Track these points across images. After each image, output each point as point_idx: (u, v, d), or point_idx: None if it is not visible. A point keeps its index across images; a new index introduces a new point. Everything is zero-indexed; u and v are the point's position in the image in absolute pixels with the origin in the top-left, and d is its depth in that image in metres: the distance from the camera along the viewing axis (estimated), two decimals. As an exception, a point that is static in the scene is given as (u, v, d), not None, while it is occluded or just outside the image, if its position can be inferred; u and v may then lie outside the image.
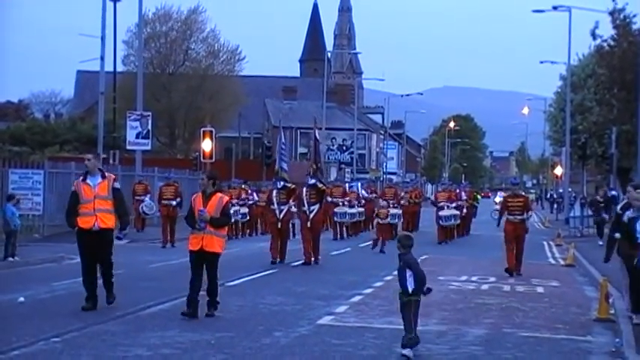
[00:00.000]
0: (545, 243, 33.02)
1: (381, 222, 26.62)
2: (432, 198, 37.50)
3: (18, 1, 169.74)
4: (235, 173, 42.10)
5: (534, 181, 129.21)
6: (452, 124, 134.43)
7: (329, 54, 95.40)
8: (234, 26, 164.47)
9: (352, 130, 78.61)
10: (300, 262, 21.70)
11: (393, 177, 76.05)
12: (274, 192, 22.30)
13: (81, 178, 13.50)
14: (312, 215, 21.97)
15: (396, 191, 34.34)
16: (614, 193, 42.31)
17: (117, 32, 41.68)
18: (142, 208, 32.05)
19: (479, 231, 38.67)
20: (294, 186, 22.46)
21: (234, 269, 19.39)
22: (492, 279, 19.20)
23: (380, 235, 26.29)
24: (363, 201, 34.85)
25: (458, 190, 34.74)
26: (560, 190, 62.18)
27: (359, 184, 41.06)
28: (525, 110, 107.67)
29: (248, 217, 32.64)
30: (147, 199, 32.29)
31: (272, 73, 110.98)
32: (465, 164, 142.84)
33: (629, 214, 13.13)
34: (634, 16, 41.76)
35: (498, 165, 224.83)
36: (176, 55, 68.98)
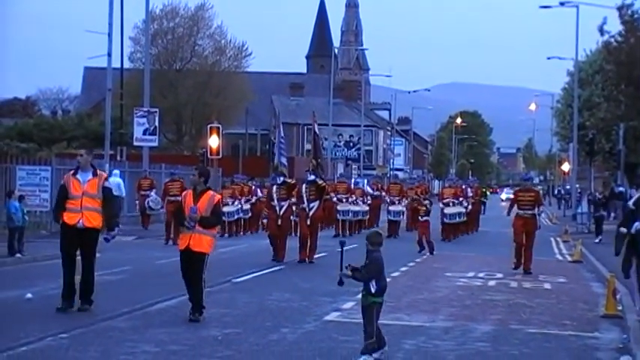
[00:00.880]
0: (552, 239, 32.96)
1: (421, 220, 24.75)
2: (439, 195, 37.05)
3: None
4: (242, 169, 42.10)
5: (541, 178, 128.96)
6: (459, 121, 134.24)
7: (336, 50, 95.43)
8: (241, 23, 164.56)
9: (359, 126, 78.60)
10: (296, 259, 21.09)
11: (400, 173, 76.00)
12: (274, 188, 21.65)
13: (72, 172, 13.04)
14: (311, 212, 21.33)
15: (401, 188, 34.09)
16: (621, 189, 42.22)
17: (124, 29, 41.76)
18: (147, 202, 31.92)
19: (487, 227, 38.62)
20: (294, 181, 21.97)
21: (240, 266, 19.45)
22: (499, 275, 19.19)
23: (422, 234, 24.57)
24: (369, 198, 34.51)
25: (464, 187, 34.23)
26: (568, 187, 62.10)
27: (365, 181, 40.93)
28: (533, 106, 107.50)
29: (250, 214, 32.07)
30: (152, 193, 32.19)
31: (279, 70, 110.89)
32: (472, 160, 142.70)
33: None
34: (642, 11, 41.60)
35: (505, 161, 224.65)
36: (183, 52, 69.02)
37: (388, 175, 74.35)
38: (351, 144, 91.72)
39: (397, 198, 32.67)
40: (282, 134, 23.64)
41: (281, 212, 21.12)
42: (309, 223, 21.27)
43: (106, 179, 13.18)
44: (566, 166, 54.63)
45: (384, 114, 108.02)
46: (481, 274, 19.24)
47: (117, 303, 13.31)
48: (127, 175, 34.84)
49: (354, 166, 76.92)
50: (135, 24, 64.34)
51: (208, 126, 37.71)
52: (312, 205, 21.38)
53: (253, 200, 31.98)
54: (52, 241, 25.88)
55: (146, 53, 43.50)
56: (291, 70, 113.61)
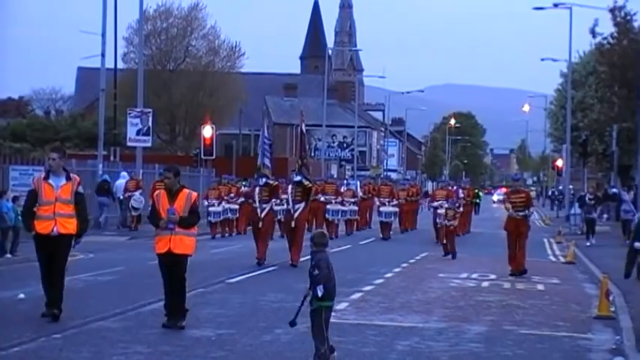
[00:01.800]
0: (545, 240, 33.00)
1: (447, 224, 23.90)
2: (430, 195, 36.56)
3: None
4: (236, 170, 42.05)
5: (535, 179, 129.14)
6: (452, 122, 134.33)
7: (330, 51, 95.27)
8: (235, 23, 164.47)
9: (353, 127, 78.61)
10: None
11: (394, 174, 76.06)
12: (256, 189, 20.98)
13: (42, 175, 12.10)
14: (296, 214, 20.64)
15: (392, 189, 33.81)
16: (615, 190, 42.33)
17: (117, 29, 41.70)
18: (131, 203, 31.95)
19: (480, 228, 38.63)
20: (276, 183, 21.43)
21: (234, 266, 19.44)
22: (493, 276, 19.20)
23: (442, 238, 24.00)
24: (358, 198, 34.32)
25: (455, 188, 33.71)
26: (561, 188, 62.15)
27: (358, 183, 40.76)
28: (526, 107, 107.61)
29: (237, 215, 31.58)
30: (137, 194, 32.13)
31: (273, 70, 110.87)
32: (465, 161, 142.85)
33: None
34: (634, 13, 41.74)
35: (499, 162, 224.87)
36: (176, 52, 68.95)
37: (382, 176, 74.35)
38: (345, 145, 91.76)
39: (387, 199, 32.52)
40: (267, 134, 22.96)
41: (262, 214, 20.49)
42: (293, 225, 20.58)
43: (79, 183, 12.25)
44: (560, 162, 54.52)
45: (378, 115, 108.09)
46: (474, 275, 19.25)
47: (109, 304, 13.29)
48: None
49: (347, 167, 76.99)
50: (128, 24, 64.38)
51: (202, 126, 37.71)
52: (297, 206, 20.73)
53: (240, 201, 31.04)
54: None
55: (140, 53, 43.47)
56: (285, 70, 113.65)
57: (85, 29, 37.93)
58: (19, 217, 21.13)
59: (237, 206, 31.29)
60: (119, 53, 50.04)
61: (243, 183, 34.01)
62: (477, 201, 43.82)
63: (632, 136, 39.95)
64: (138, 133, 35.37)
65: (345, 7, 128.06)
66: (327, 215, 31.81)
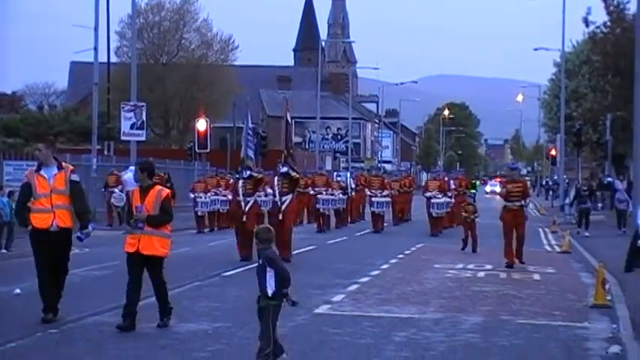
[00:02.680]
0: (540, 230, 33.03)
1: (469, 219, 23.34)
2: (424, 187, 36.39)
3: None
4: (230, 163, 41.99)
5: (529, 169, 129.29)
6: (446, 112, 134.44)
7: (323, 43, 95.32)
8: (227, 16, 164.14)
9: (347, 119, 78.58)
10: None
11: (388, 165, 76.04)
12: (240, 182, 20.33)
13: (34, 168, 11.59)
14: (283, 207, 20.00)
15: (382, 180, 33.54)
16: (609, 179, 42.36)
17: (110, 23, 41.65)
18: (112, 199, 31.64)
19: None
20: (261, 175, 20.74)
21: (230, 260, 19.40)
22: (489, 267, 19.21)
23: (467, 233, 23.33)
24: (350, 190, 34.36)
25: (446, 179, 32.93)
26: (555, 177, 62.21)
27: (348, 174, 40.66)
28: (520, 97, 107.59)
29: (228, 207, 30.75)
30: (117, 190, 31.85)
31: (266, 63, 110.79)
32: (459, 152, 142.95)
33: None
34: (627, 1, 41.70)
35: (493, 152, 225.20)
36: (169, 46, 68.94)
37: (374, 168, 74.37)
38: (339, 137, 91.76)
39: (378, 191, 32.35)
40: (251, 126, 22.14)
41: (246, 208, 19.93)
42: (280, 218, 19.82)
43: (73, 171, 11.63)
44: (554, 151, 54.47)
45: (372, 106, 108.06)
46: (470, 266, 19.26)
47: (106, 298, 13.25)
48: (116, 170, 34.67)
49: (342, 159, 76.97)
50: (121, 18, 64.38)
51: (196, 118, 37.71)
52: (284, 198, 20.08)
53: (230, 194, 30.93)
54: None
55: (133, 47, 43.34)
56: (278, 63, 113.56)
57: (77, 23, 37.86)
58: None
59: (227, 198, 31.14)
60: (112, 47, 50.12)
61: (229, 175, 33.81)
62: (474, 192, 43.49)
63: (625, 124, 39.90)
64: (132, 127, 35.27)
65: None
66: (317, 205, 31.62)
